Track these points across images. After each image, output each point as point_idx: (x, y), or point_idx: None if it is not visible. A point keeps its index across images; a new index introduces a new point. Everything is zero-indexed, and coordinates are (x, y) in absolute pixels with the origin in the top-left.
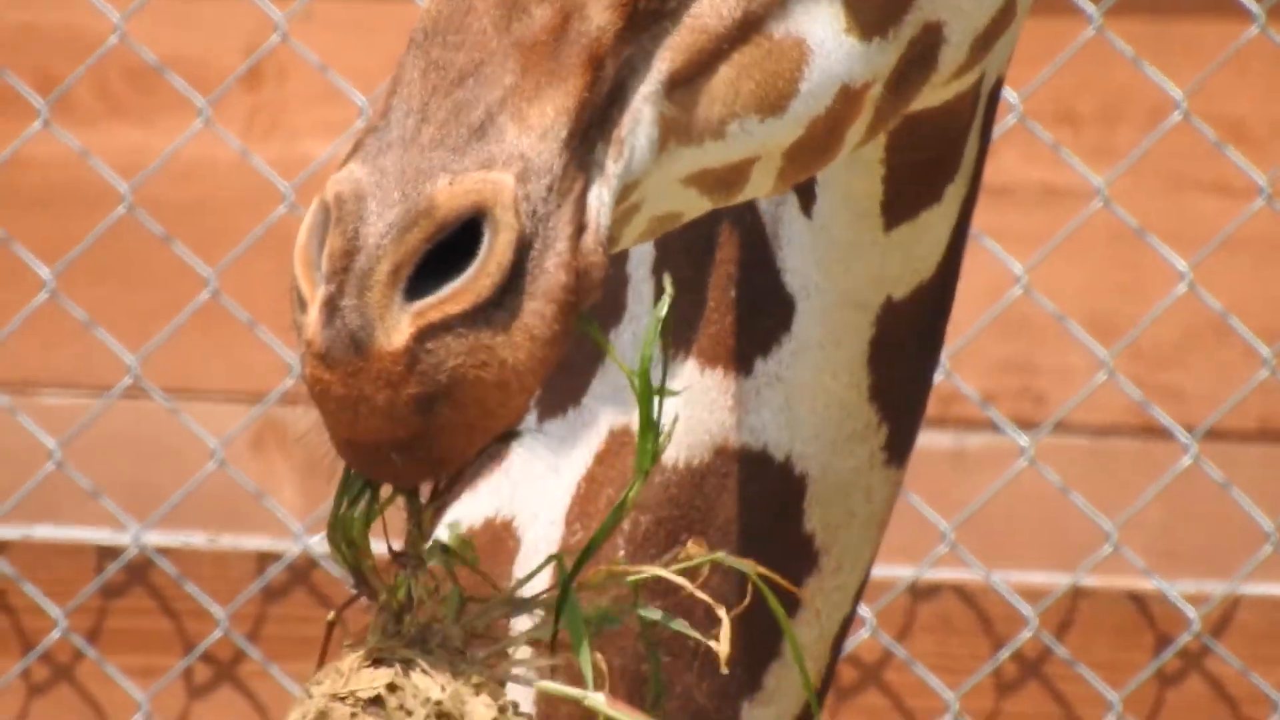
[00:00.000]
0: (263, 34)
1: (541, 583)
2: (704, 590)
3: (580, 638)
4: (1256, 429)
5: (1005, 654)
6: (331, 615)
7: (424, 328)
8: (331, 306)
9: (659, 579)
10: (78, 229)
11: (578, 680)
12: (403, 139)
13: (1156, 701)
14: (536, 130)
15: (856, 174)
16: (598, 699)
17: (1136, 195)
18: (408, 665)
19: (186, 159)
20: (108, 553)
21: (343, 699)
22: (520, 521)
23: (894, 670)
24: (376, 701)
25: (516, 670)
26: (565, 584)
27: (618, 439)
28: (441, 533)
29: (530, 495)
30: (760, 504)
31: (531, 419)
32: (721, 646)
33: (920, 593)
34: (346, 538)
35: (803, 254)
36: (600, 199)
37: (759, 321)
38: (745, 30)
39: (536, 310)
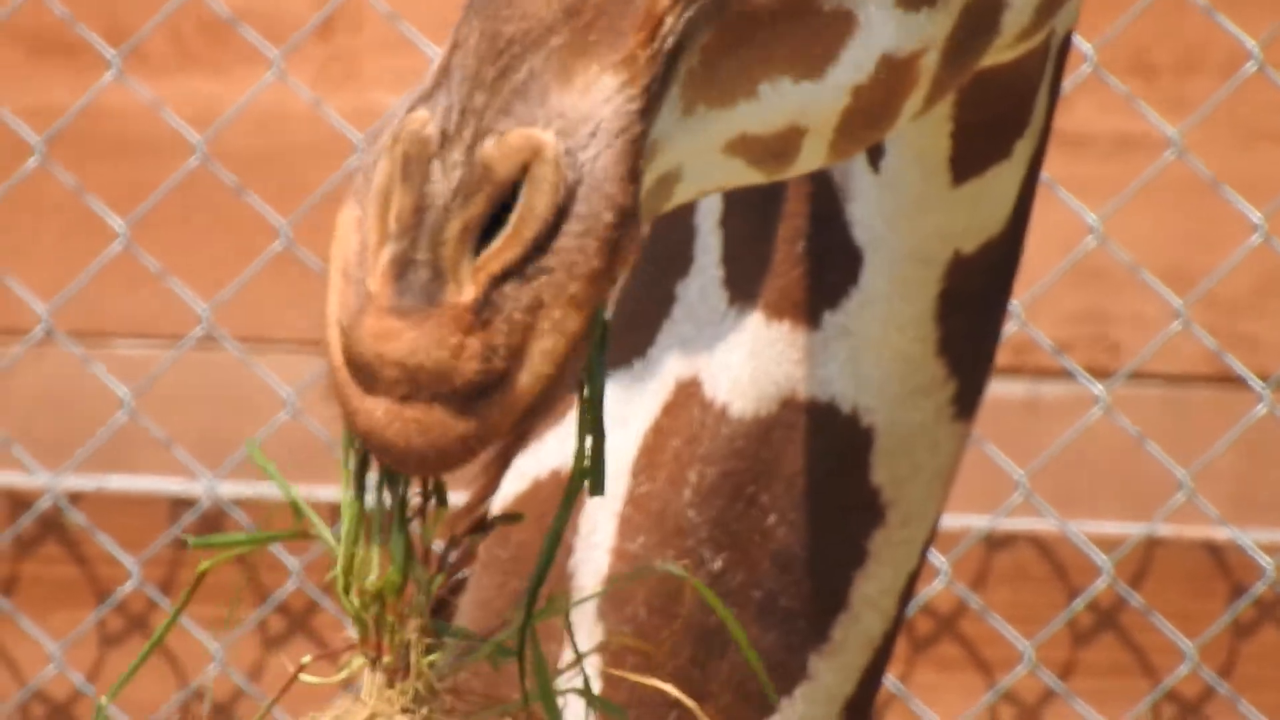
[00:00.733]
0: None
1: (585, 616)
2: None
3: (545, 683)
4: None
5: (1080, 604)
6: (306, 659)
7: (487, 279)
8: (404, 260)
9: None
10: (151, 179)
11: None
12: (459, 101)
13: (1231, 651)
14: (578, 86)
15: (925, 130)
16: None
17: (1210, 146)
18: None
19: (259, 110)
20: (181, 503)
21: None
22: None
23: (969, 621)
24: None
25: None
26: (523, 629)
27: (684, 390)
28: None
29: None
30: (827, 456)
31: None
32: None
33: (995, 542)
34: (360, 584)
35: (870, 208)
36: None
37: (826, 274)
38: (792, 2)
39: (578, 246)
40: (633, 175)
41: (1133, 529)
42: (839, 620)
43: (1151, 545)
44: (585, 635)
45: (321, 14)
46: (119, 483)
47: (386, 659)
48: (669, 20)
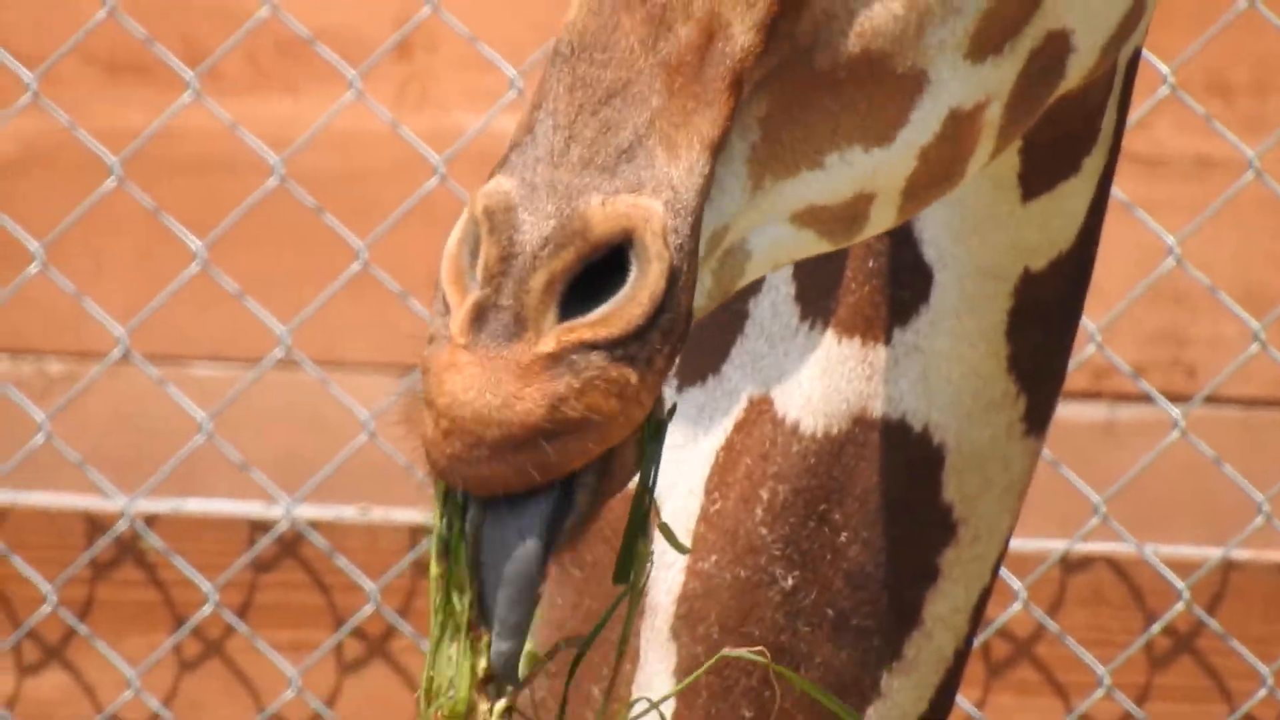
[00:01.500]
0: (412, 4)
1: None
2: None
3: None
4: None
5: (1157, 628)
6: None
7: (571, 344)
8: (485, 305)
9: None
10: (228, 200)
11: None
12: (550, 155)
13: None
14: (685, 161)
15: None
16: None
17: None
18: None
19: (337, 130)
20: (259, 526)
21: None
22: (659, 491)
23: (1046, 644)
24: None
25: None
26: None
27: (756, 407)
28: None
29: (669, 464)
30: (898, 474)
31: (671, 389)
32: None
33: (1072, 565)
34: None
35: (940, 225)
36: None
37: (897, 291)
38: (866, 66)
39: (669, 354)
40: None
41: (1210, 552)
42: (912, 638)
43: (1228, 569)
44: (659, 655)
45: (399, 34)
46: (195, 505)
47: None
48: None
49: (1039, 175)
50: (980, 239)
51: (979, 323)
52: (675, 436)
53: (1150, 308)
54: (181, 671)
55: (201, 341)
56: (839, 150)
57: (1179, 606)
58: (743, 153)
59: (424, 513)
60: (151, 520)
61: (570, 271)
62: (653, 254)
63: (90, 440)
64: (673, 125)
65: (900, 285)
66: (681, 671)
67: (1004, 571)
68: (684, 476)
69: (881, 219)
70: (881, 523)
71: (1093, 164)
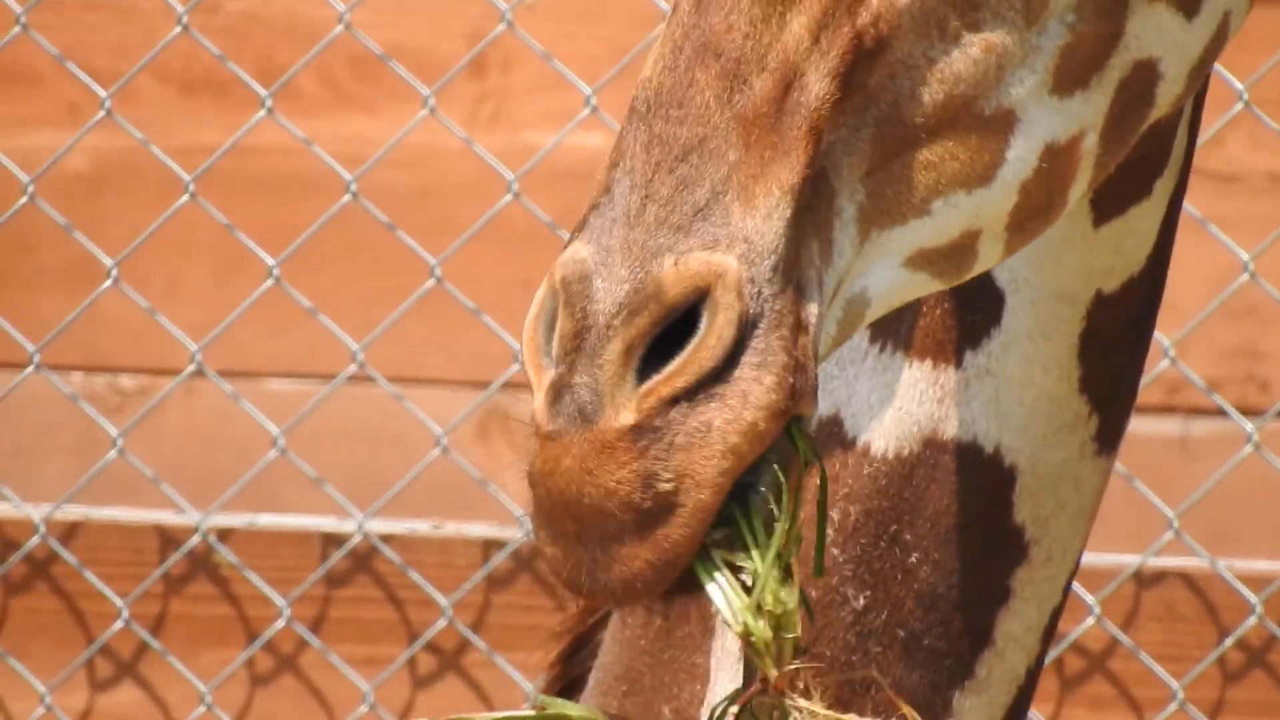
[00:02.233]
0: (486, 22)
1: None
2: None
3: None
4: None
5: (1230, 642)
6: None
7: (653, 406)
8: (561, 385)
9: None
10: (302, 217)
11: None
12: (627, 216)
13: None
14: (761, 210)
15: None
16: None
17: None
18: None
19: (411, 147)
20: (332, 540)
21: None
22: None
23: (1120, 659)
24: None
25: None
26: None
27: (826, 429)
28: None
29: None
30: (970, 495)
31: None
32: None
33: (1146, 580)
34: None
35: None
36: (813, 313)
37: (969, 315)
38: (952, 112)
39: (754, 377)
40: (801, 328)
41: None
42: (983, 657)
43: None
44: (730, 676)
45: (473, 52)
46: (269, 520)
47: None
48: (825, 136)
49: (1111, 199)
50: (1053, 263)
51: (1051, 346)
52: None
53: (1224, 323)
54: (254, 687)
55: (275, 358)
56: (943, 196)
57: (1252, 621)
58: (852, 215)
59: (497, 527)
60: (225, 535)
61: (646, 336)
62: (722, 305)
63: (164, 456)
64: (750, 177)
65: (972, 308)
66: None
67: (1077, 586)
68: None
69: (989, 254)
70: (953, 544)
71: (1164, 185)
